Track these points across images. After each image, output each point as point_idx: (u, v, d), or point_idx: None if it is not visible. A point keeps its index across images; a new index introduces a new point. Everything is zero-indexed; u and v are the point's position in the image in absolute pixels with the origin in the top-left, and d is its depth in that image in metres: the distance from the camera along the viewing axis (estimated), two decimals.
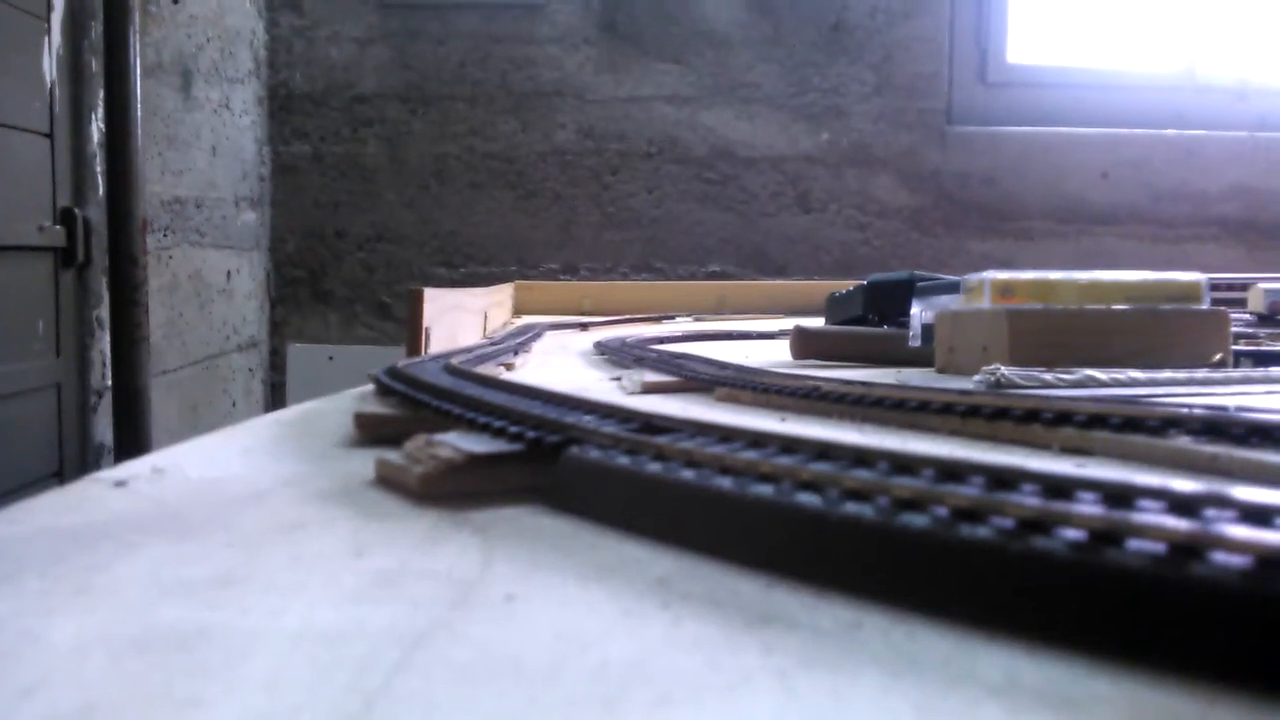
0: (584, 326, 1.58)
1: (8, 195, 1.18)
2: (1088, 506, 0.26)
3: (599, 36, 2.25)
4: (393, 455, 0.43)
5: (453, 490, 0.40)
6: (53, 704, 0.21)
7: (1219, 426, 0.45)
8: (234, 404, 2.00)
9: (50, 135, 1.27)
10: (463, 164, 2.25)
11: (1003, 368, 0.70)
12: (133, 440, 1.41)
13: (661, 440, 0.38)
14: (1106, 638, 0.23)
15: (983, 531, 0.26)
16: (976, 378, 0.71)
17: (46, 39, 1.26)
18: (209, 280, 1.86)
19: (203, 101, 1.82)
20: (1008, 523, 0.26)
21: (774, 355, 1.05)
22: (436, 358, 0.82)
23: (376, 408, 0.57)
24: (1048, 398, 0.53)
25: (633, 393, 0.75)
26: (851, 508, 0.29)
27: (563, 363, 1.07)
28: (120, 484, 0.43)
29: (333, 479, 0.45)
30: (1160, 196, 2.29)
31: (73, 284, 1.33)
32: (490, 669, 0.23)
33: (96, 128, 1.38)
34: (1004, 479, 0.29)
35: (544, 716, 0.21)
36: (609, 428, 0.41)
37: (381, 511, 0.39)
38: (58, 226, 1.29)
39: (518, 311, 1.92)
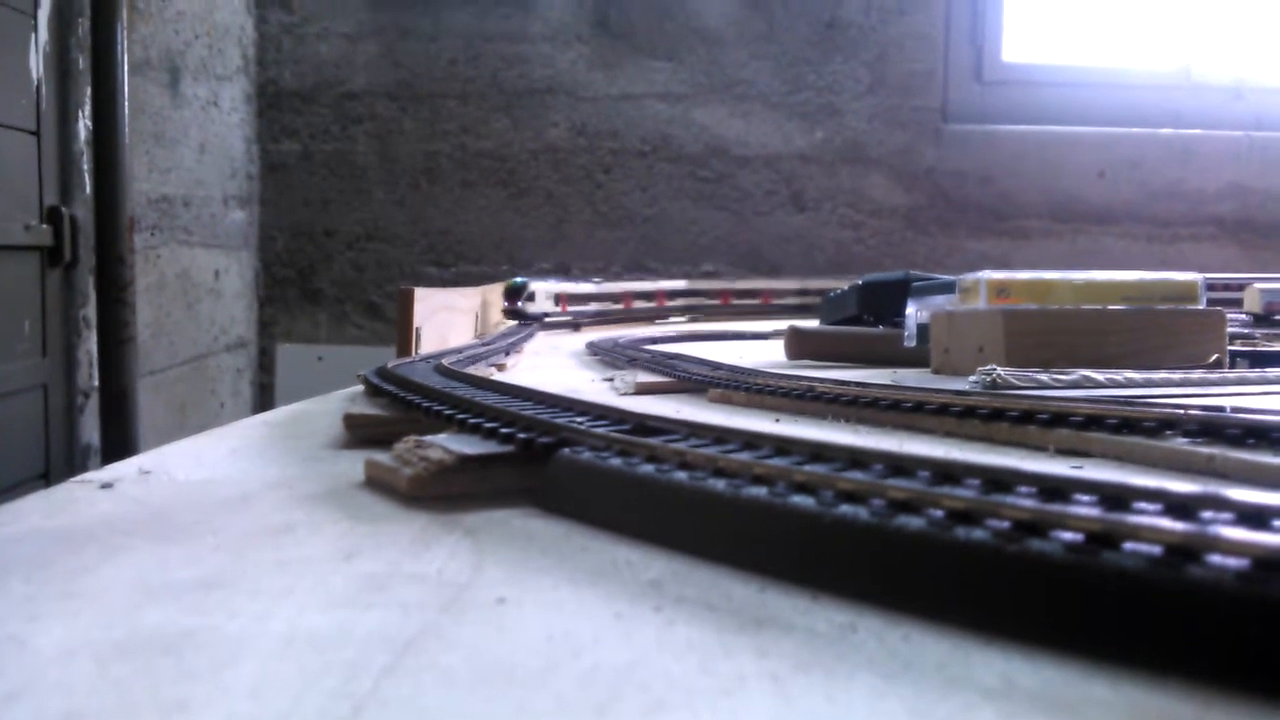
0: (576, 326, 1.58)
1: None
2: (1084, 509, 0.26)
3: (591, 33, 2.25)
4: (382, 457, 0.43)
5: (443, 492, 0.40)
6: (38, 710, 0.21)
7: (1215, 427, 0.45)
8: (222, 405, 1.99)
9: (37, 133, 1.26)
10: (454, 162, 2.24)
11: (999, 368, 0.70)
12: (120, 441, 1.40)
13: (654, 442, 0.38)
14: (1103, 641, 0.23)
15: (979, 534, 0.26)
16: (972, 378, 0.71)
17: (33, 36, 1.25)
18: (197, 279, 1.85)
19: (190, 99, 1.81)
20: (1004, 525, 0.26)
21: (768, 356, 1.05)
22: (427, 358, 0.82)
23: (366, 409, 0.57)
24: (1044, 398, 0.53)
25: (625, 393, 0.75)
26: (846, 510, 0.29)
27: (555, 363, 1.06)
28: (107, 486, 0.43)
29: (321, 481, 0.45)
30: (1156, 195, 2.30)
31: (59, 283, 1.33)
32: (480, 674, 0.23)
33: (83, 125, 1.37)
34: (1000, 481, 0.29)
35: None
36: (601, 429, 0.41)
37: (371, 514, 0.39)
38: (44, 225, 1.28)
39: None
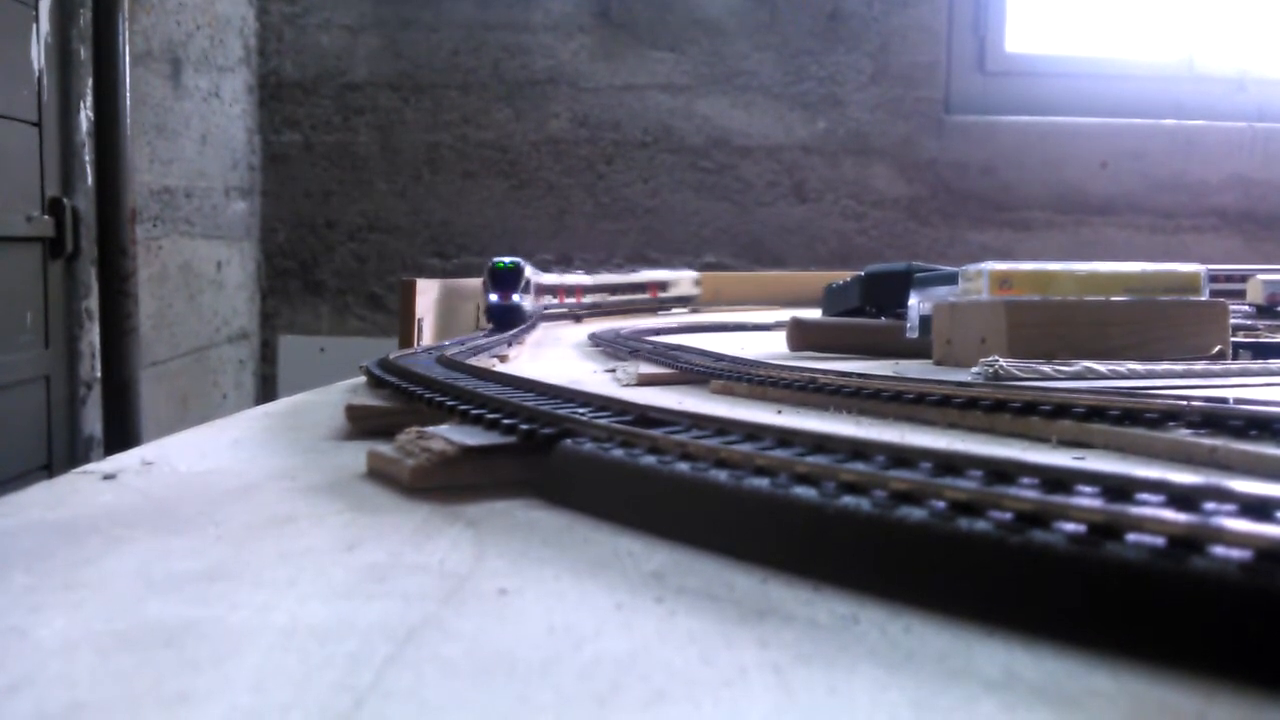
0: (578, 318, 1.58)
1: None
2: (1087, 500, 0.26)
3: (593, 24, 2.24)
4: (384, 448, 0.43)
5: (445, 483, 0.40)
6: (40, 702, 0.21)
7: (1218, 419, 0.45)
8: (224, 396, 1.99)
9: (38, 124, 1.26)
10: (455, 153, 2.24)
11: (1001, 359, 0.70)
12: (122, 433, 1.40)
13: (657, 433, 0.38)
14: (1106, 632, 0.23)
15: (981, 525, 0.26)
16: (974, 369, 0.71)
17: (35, 26, 1.25)
18: (199, 271, 1.85)
19: (192, 90, 1.81)
20: (1006, 516, 0.26)
21: (770, 347, 1.05)
22: (429, 349, 0.82)
23: (368, 400, 0.57)
24: (1046, 390, 0.53)
25: (627, 385, 0.75)
26: (849, 501, 0.29)
27: (557, 354, 1.06)
28: (109, 477, 0.43)
29: (323, 472, 0.45)
30: (1159, 187, 2.29)
31: (61, 275, 1.33)
32: (482, 665, 0.23)
33: (85, 116, 1.37)
34: (1002, 472, 0.29)
35: (536, 714, 0.21)
36: (603, 420, 0.41)
37: (373, 505, 0.39)
38: (46, 217, 1.28)
39: None
